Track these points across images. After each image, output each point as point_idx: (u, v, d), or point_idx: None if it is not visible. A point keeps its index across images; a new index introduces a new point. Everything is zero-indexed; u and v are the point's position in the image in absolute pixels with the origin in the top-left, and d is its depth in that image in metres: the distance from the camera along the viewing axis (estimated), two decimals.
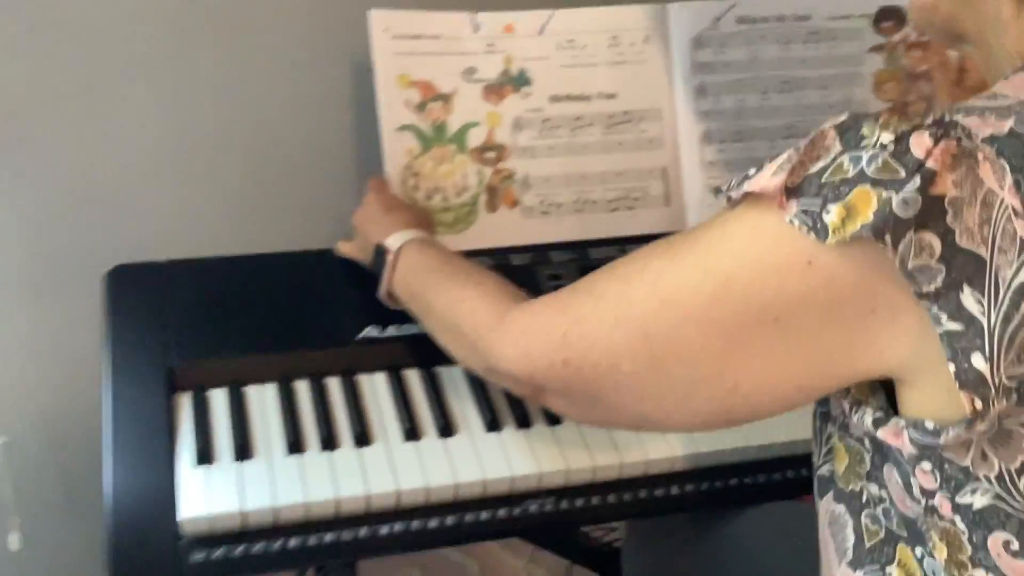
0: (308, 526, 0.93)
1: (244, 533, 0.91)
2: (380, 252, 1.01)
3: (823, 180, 0.61)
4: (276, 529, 0.92)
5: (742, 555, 1.04)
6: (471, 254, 1.14)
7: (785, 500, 1.05)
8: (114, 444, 0.95)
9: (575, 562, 1.49)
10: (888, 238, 0.58)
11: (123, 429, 0.97)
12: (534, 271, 1.16)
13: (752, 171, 0.67)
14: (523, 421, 1.02)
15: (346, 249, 1.12)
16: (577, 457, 0.99)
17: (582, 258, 1.18)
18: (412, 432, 1.00)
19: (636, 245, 1.19)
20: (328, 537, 0.93)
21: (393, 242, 1.00)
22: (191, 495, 0.91)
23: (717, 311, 0.65)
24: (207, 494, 0.92)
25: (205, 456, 0.95)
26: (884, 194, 0.58)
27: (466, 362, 0.91)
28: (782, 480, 1.03)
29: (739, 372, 0.66)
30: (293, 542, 0.92)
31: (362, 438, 0.98)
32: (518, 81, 1.19)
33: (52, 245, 1.25)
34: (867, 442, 0.67)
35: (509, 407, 1.04)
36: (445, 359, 1.07)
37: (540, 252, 1.17)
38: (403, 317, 1.08)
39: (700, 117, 1.24)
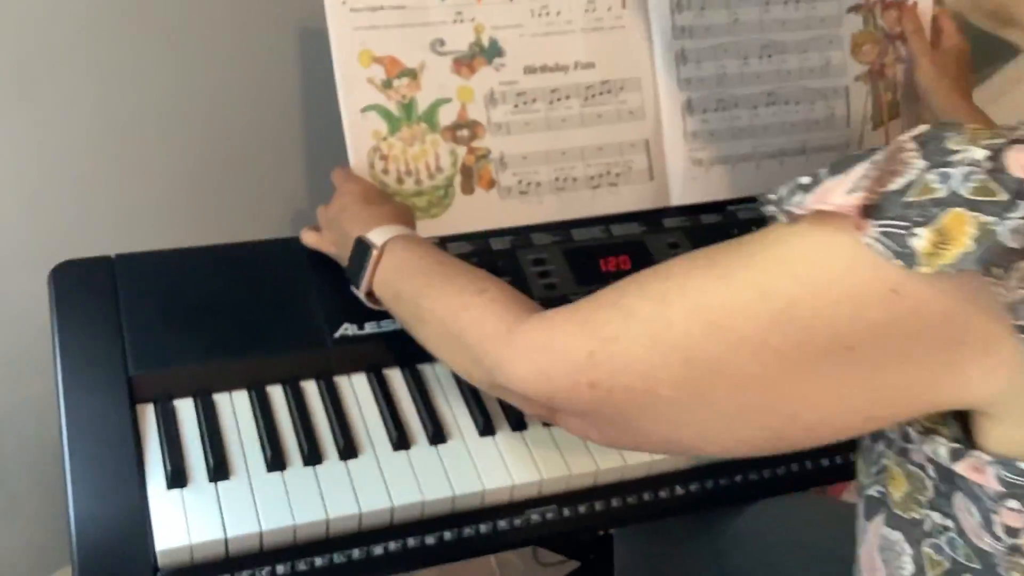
0: (296, 550, 0.86)
1: (228, 561, 0.84)
2: (361, 247, 0.92)
3: (907, 199, 0.55)
4: (262, 555, 0.85)
5: (744, 547, 1.00)
6: (447, 240, 1.08)
7: (789, 493, 1.01)
8: (73, 467, 0.86)
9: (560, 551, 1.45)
10: (994, 270, 0.53)
11: (83, 449, 0.88)
12: (515, 255, 1.09)
13: (806, 180, 0.61)
14: (518, 423, 0.96)
15: (313, 241, 1.03)
16: (578, 461, 0.93)
17: (565, 240, 1.11)
18: (401, 440, 0.93)
19: (621, 225, 1.16)
20: (319, 561, 0.86)
21: (376, 237, 0.92)
22: (167, 522, 0.83)
23: (777, 338, 0.59)
24: (185, 521, 0.84)
25: (178, 477, 0.87)
26: (984, 219, 0.52)
27: (467, 375, 0.83)
28: (787, 474, 0.99)
29: (799, 401, 0.61)
30: (281, 569, 0.85)
31: (348, 450, 0.91)
32: (490, 52, 1.11)
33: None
34: (930, 469, 0.63)
35: (502, 409, 0.97)
36: (429, 356, 1.00)
37: (521, 235, 1.10)
38: (382, 312, 1.00)
39: (682, 85, 1.18)
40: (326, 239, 1.02)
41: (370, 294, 0.93)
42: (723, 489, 0.97)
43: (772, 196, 0.64)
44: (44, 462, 0.87)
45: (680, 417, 0.65)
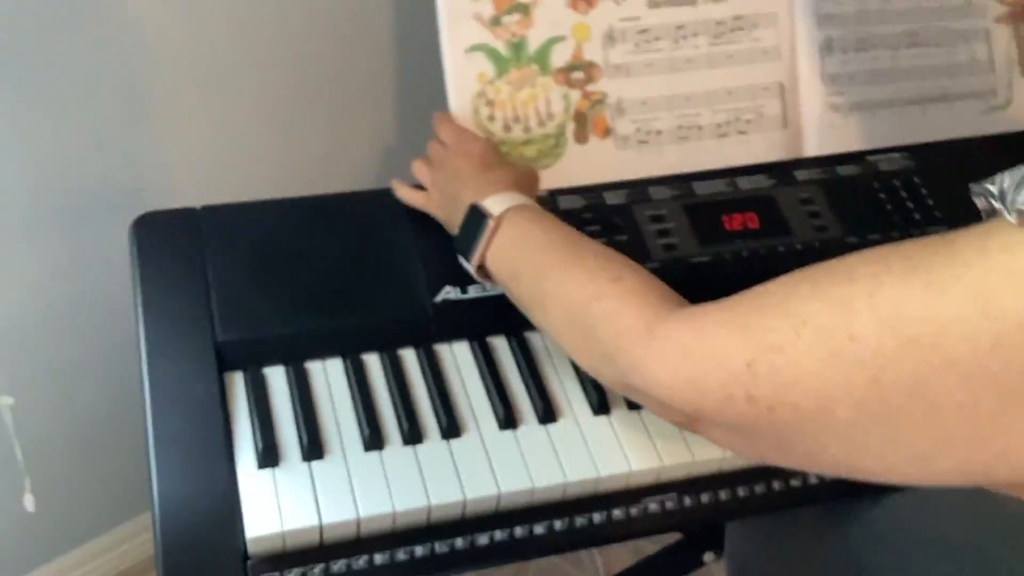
0: (396, 538, 0.79)
1: (322, 549, 0.77)
2: (475, 215, 0.83)
3: None
4: (359, 543, 0.78)
5: (883, 542, 0.91)
6: (557, 193, 0.98)
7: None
8: (157, 441, 0.80)
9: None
10: None
11: (168, 421, 0.81)
12: (631, 211, 0.99)
13: None
14: (631, 403, 0.87)
15: (418, 200, 0.94)
16: (702, 446, 0.84)
17: (687, 194, 1.01)
18: (509, 419, 0.85)
19: (748, 178, 1.05)
20: (419, 550, 0.79)
21: (494, 205, 0.82)
22: (258, 507, 0.77)
23: (998, 364, 0.49)
24: (277, 505, 0.77)
25: (270, 456, 0.80)
26: None
27: (594, 371, 0.74)
28: None
29: (1015, 438, 0.51)
30: (379, 559, 0.78)
31: (451, 429, 0.84)
32: None
33: (65, 186, 1.07)
34: None
35: None
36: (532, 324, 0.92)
37: (638, 189, 1.00)
38: None
39: (821, 22, 1.05)
40: (432, 200, 0.92)
41: (481, 268, 0.84)
42: None
43: (990, 187, 0.52)
44: (123, 410, 0.81)
45: (858, 441, 0.56)
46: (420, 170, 0.95)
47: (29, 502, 1.25)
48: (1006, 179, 0.52)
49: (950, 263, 0.51)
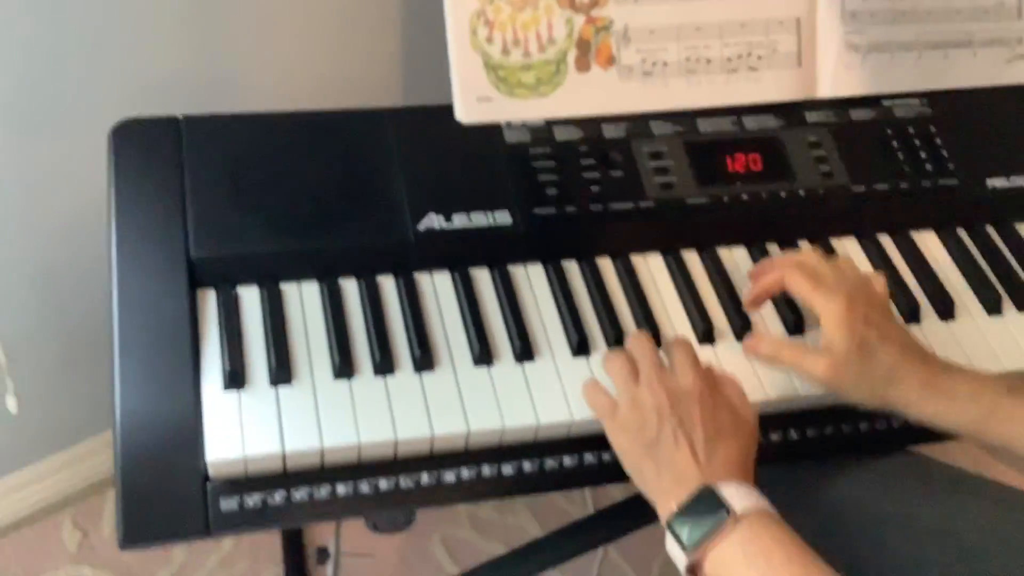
0: (360, 470, 0.77)
1: (285, 476, 0.76)
2: (709, 501, 0.69)
3: None
4: (323, 473, 0.77)
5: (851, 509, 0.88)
6: (554, 123, 0.94)
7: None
8: (122, 355, 0.79)
9: None
10: None
11: (135, 335, 0.80)
12: (630, 146, 0.95)
13: None
14: (618, 344, 0.85)
15: (596, 402, 0.79)
16: None
17: (689, 131, 0.97)
18: (484, 355, 0.83)
19: (755, 117, 1.00)
20: (383, 484, 0.77)
21: (736, 498, 0.69)
22: (221, 430, 0.75)
23: None
24: (240, 429, 0.76)
25: (236, 378, 0.78)
26: None
27: None
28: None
29: None
30: (342, 489, 0.77)
31: (424, 361, 0.81)
32: None
33: (52, 86, 1.04)
34: None
35: (600, 326, 0.86)
36: (522, 255, 0.89)
37: (639, 123, 0.96)
38: (473, 204, 0.89)
39: None
40: (619, 421, 0.76)
41: (693, 568, 0.70)
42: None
43: None
44: (106, 316, 0.79)
45: None
46: (619, 372, 0.78)
47: (12, 404, 1.24)
48: None
49: None
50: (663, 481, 0.72)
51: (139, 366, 0.78)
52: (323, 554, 1.08)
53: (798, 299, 0.84)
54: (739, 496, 0.70)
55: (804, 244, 0.96)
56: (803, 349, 0.80)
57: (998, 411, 0.74)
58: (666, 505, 0.71)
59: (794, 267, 0.82)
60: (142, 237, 0.84)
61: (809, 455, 0.86)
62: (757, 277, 0.87)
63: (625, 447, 0.75)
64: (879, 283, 0.83)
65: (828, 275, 0.81)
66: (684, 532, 0.69)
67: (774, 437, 0.85)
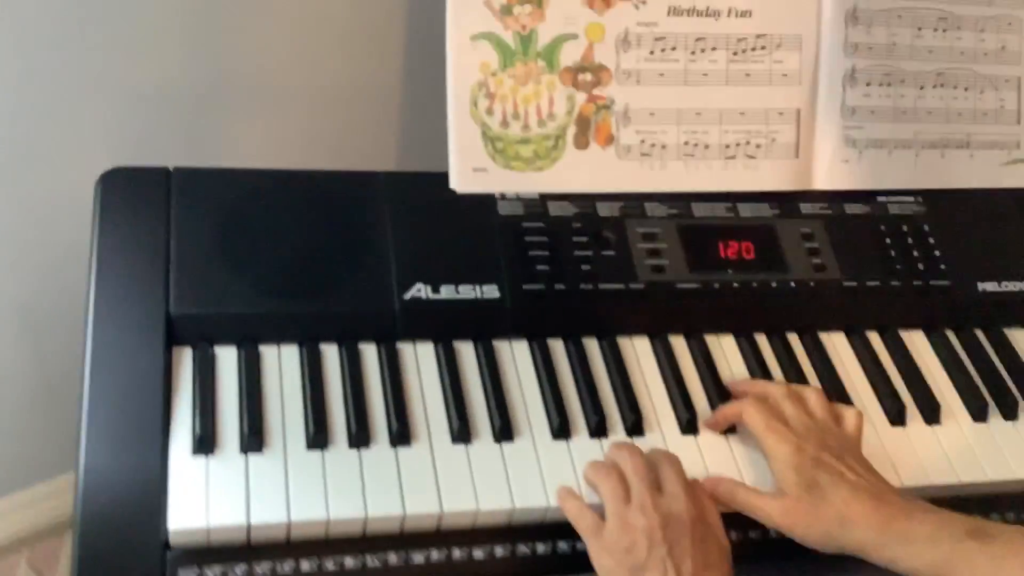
0: (327, 546, 0.75)
1: (248, 549, 0.74)
2: None
3: None
4: (288, 548, 0.74)
5: None
6: (549, 198, 0.94)
7: None
8: (91, 407, 0.76)
9: None
10: None
11: (106, 388, 0.78)
12: (623, 226, 0.94)
13: None
14: (599, 429, 0.83)
15: (577, 517, 0.76)
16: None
17: (684, 214, 0.96)
18: (463, 433, 0.81)
19: (750, 205, 1.00)
20: (349, 562, 0.75)
21: None
22: (186, 497, 0.73)
23: None
24: (206, 497, 0.73)
25: (206, 442, 0.76)
26: None
27: None
28: None
29: None
30: (306, 566, 0.74)
31: (401, 435, 0.79)
32: None
33: (41, 123, 1.02)
34: None
35: (583, 412, 0.85)
36: (506, 331, 0.88)
37: (634, 203, 0.95)
38: (462, 276, 0.87)
39: (848, 50, 1.00)
40: (604, 540, 0.73)
41: None
42: None
43: None
44: (71, 362, 0.77)
45: None
46: (611, 491, 0.75)
47: None
48: None
49: None
50: None
51: (107, 421, 0.76)
52: None
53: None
54: None
55: (793, 337, 0.95)
56: (757, 493, 0.78)
57: (957, 556, 0.70)
58: None
59: (754, 402, 0.81)
60: (122, 288, 0.82)
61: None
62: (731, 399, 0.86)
63: (609, 568, 0.73)
64: (852, 421, 0.82)
65: (788, 413, 0.80)
66: None
67: (752, 535, 0.83)
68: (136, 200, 0.86)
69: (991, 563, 0.68)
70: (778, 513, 0.76)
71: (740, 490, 0.79)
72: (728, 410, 0.83)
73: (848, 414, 0.82)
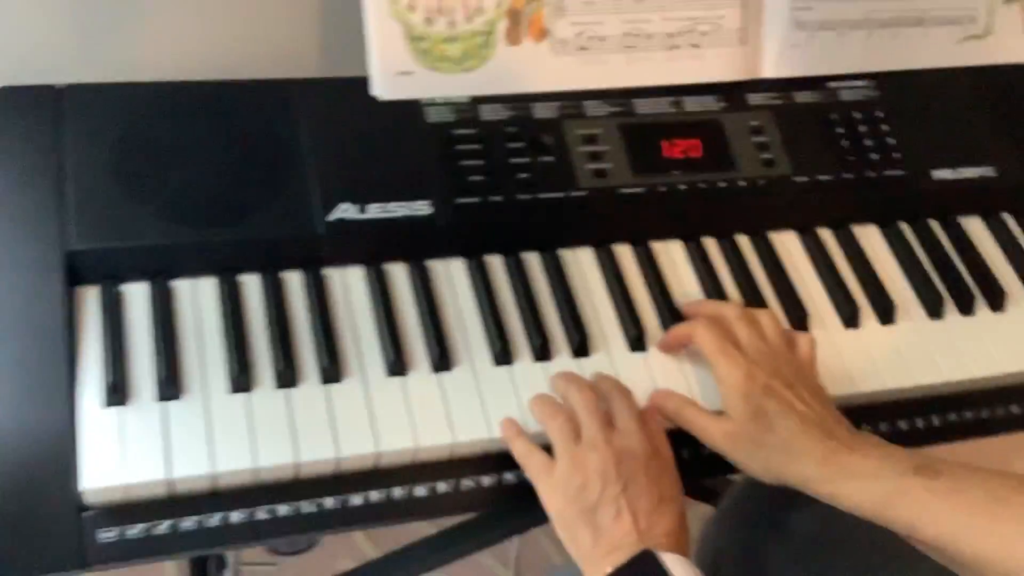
0: (257, 495, 0.70)
1: (173, 503, 0.69)
2: (649, 567, 0.65)
3: None
4: (215, 499, 0.69)
5: None
6: (481, 100, 0.87)
7: None
8: None
9: None
10: None
11: (2, 338, 0.71)
12: (561, 127, 0.88)
13: None
14: (543, 352, 0.79)
15: (525, 457, 0.72)
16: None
17: (625, 112, 0.90)
18: (398, 364, 0.76)
19: (695, 98, 0.94)
20: (283, 510, 0.71)
21: (678, 569, 0.64)
22: (99, 453, 0.68)
23: None
24: (122, 452, 0.68)
25: (118, 391, 0.70)
26: None
27: None
28: None
29: None
30: (236, 516, 0.70)
31: (332, 371, 0.74)
32: None
33: None
34: None
35: (524, 330, 0.80)
36: (442, 250, 0.82)
37: (572, 102, 0.89)
38: (390, 193, 0.81)
39: None
40: (556, 479, 0.69)
41: None
42: None
43: None
44: None
45: None
46: (559, 428, 0.71)
47: None
48: None
49: None
50: (598, 548, 0.67)
51: (7, 376, 0.69)
52: (220, 563, 1.02)
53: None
54: (680, 568, 0.64)
55: (743, 239, 0.90)
56: (705, 414, 0.74)
57: (900, 492, 0.66)
58: (599, 570, 0.66)
59: (706, 323, 0.77)
60: (12, 224, 0.74)
61: None
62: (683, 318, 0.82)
63: (560, 509, 0.69)
64: (805, 348, 0.78)
65: (741, 336, 0.76)
66: None
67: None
68: (23, 123, 0.78)
69: (935, 500, 0.65)
70: (721, 436, 0.73)
71: (688, 408, 0.75)
72: (679, 331, 0.79)
73: (802, 340, 0.78)
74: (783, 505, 0.87)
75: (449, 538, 1.11)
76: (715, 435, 0.73)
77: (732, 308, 0.79)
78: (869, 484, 0.67)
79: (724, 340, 0.75)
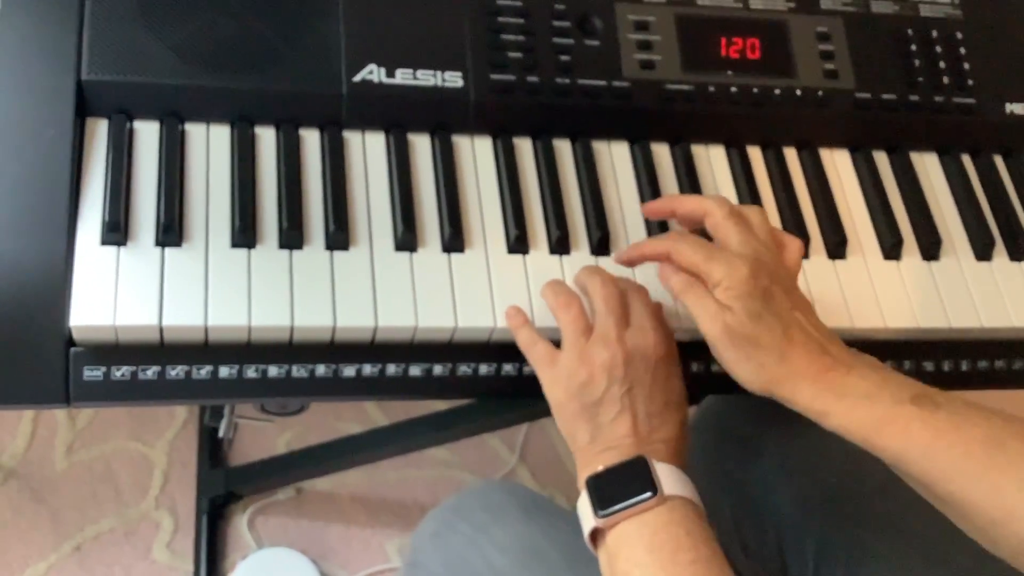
0: (248, 353, 0.69)
1: (162, 351, 0.67)
2: (639, 473, 0.63)
3: None
4: (205, 351, 0.68)
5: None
6: None
7: None
8: None
9: None
10: None
11: (5, 163, 0.68)
12: (612, 12, 0.83)
13: None
14: (560, 245, 0.75)
15: (531, 348, 0.69)
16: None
17: (685, 2, 0.84)
18: (407, 238, 0.73)
19: None
20: (273, 371, 0.69)
21: (668, 480, 0.63)
22: (92, 291, 0.66)
23: None
24: (115, 293, 0.66)
25: (117, 230, 0.68)
26: None
27: None
28: None
29: None
30: (225, 372, 0.68)
31: (338, 237, 0.71)
32: None
33: None
34: None
35: (544, 220, 0.76)
36: (465, 125, 0.78)
37: None
38: (421, 60, 0.77)
39: None
40: (560, 369, 0.67)
41: (596, 534, 0.64)
42: None
43: None
44: None
45: None
46: (572, 322, 0.68)
47: None
48: None
49: None
50: (595, 445, 0.65)
51: (6, 200, 0.67)
52: (216, 412, 1.01)
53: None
54: (671, 478, 0.63)
55: (790, 152, 0.85)
56: (713, 299, 0.66)
57: (892, 418, 0.60)
58: (591, 466, 0.64)
59: (681, 240, 0.69)
60: (28, 45, 0.71)
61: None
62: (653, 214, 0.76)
63: (561, 401, 0.67)
64: (794, 253, 0.70)
65: (733, 237, 0.68)
66: (602, 496, 0.63)
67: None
68: None
69: (928, 434, 0.60)
70: (721, 328, 0.65)
71: (693, 290, 0.67)
72: (652, 247, 0.71)
73: (792, 244, 0.71)
74: (753, 424, 0.85)
75: (459, 415, 1.10)
76: (716, 325, 0.65)
77: (719, 205, 0.69)
78: (860, 405, 0.62)
79: (708, 248, 0.67)
